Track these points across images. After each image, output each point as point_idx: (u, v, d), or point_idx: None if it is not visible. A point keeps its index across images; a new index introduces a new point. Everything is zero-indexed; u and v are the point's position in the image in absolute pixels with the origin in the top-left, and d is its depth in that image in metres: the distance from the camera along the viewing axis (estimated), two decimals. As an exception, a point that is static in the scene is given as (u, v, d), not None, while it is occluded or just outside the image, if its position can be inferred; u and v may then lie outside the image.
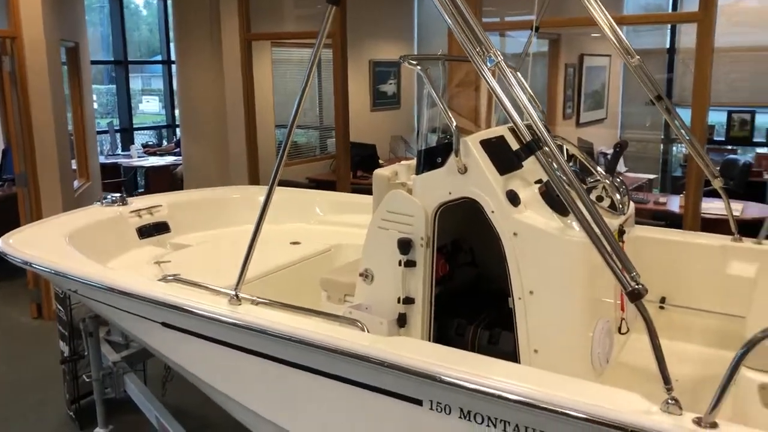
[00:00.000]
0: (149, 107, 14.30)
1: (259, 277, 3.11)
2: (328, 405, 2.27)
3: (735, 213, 5.47)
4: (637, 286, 1.68)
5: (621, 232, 2.50)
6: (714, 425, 1.57)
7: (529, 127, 1.89)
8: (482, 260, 2.91)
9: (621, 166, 7.40)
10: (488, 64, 1.89)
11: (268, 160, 6.19)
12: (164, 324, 2.68)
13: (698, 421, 1.59)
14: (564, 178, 1.83)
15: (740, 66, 7.60)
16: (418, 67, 2.34)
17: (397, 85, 8.35)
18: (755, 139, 7.71)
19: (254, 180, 6.19)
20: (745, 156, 7.84)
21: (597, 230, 1.74)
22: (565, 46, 6.34)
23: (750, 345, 1.55)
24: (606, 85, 7.30)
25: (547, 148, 1.82)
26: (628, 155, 7.58)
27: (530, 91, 3.00)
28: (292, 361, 2.28)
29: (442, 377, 1.87)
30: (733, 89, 7.60)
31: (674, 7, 7.77)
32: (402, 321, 2.40)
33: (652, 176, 7.14)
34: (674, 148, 8.00)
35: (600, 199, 2.49)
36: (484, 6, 5.07)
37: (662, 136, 8.01)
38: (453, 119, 2.25)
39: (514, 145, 2.53)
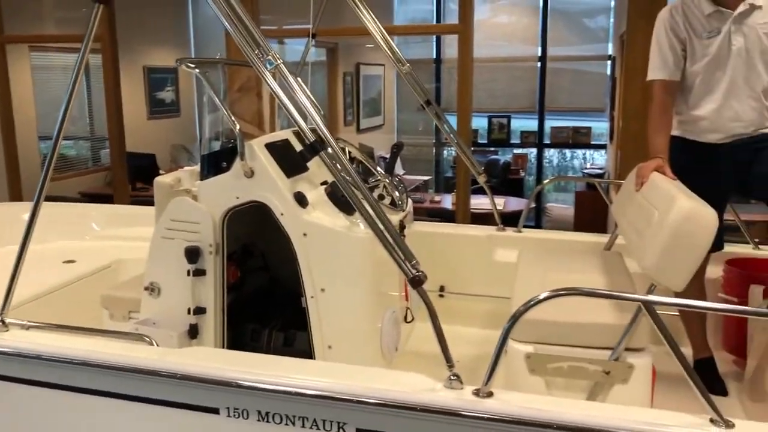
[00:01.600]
0: None
1: (30, 300, 2.83)
2: (124, 428, 2.13)
3: (498, 207, 6.10)
4: (417, 273, 1.81)
5: (402, 227, 2.66)
6: (490, 394, 1.74)
7: (312, 129, 1.94)
8: (274, 263, 2.92)
9: (399, 169, 7.85)
10: (268, 66, 1.91)
11: (32, 176, 5.63)
12: None
13: (477, 392, 1.75)
14: (348, 178, 1.91)
15: (497, 75, 8.46)
16: (196, 70, 2.30)
17: (176, 92, 8.05)
18: (512, 141, 8.61)
19: (16, 197, 5.60)
20: (504, 156, 8.73)
21: (380, 225, 1.84)
22: (342, 55, 6.58)
23: (513, 320, 1.73)
24: (382, 92, 7.70)
25: (330, 150, 1.89)
26: (405, 159, 8.05)
27: (311, 95, 3.08)
28: (76, 387, 2.11)
29: (236, 382, 1.86)
30: (492, 96, 8.44)
31: (438, 20, 8.43)
32: (194, 332, 2.33)
33: (426, 177, 7.68)
34: (445, 151, 8.64)
35: (381, 197, 2.63)
36: (262, 14, 5.09)
37: (434, 141, 8.63)
38: (236, 123, 2.25)
39: (299, 149, 2.58)
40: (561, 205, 8.14)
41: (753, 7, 2.49)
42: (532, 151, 8.61)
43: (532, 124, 8.50)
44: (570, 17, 8.32)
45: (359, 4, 3.22)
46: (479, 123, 8.69)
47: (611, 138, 7.05)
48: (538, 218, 8.37)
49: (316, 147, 1.82)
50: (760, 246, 3.10)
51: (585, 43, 8.30)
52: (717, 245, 2.69)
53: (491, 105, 8.44)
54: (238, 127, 2.23)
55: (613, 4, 7.98)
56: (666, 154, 2.55)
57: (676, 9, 2.59)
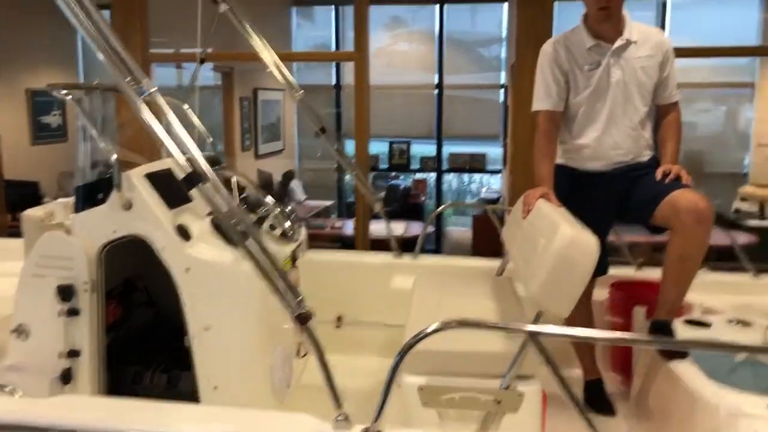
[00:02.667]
0: None
1: None
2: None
3: (398, 232, 6.14)
4: (303, 311, 1.74)
5: (293, 258, 2.59)
6: (379, 433, 1.69)
7: (190, 160, 1.85)
8: (160, 298, 2.78)
9: (300, 195, 7.76)
10: (141, 94, 1.81)
11: None
12: None
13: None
14: (228, 210, 1.83)
15: (396, 102, 8.56)
16: (69, 97, 2.15)
17: (63, 117, 7.63)
18: (412, 166, 8.71)
19: None
20: (405, 181, 8.82)
21: (264, 260, 1.77)
22: (239, 79, 6.46)
23: (402, 354, 1.70)
24: (281, 117, 7.62)
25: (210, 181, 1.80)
26: (307, 184, 7.98)
27: (198, 122, 2.98)
28: None
29: (109, 433, 1.73)
30: (392, 122, 8.52)
31: (336, 47, 8.47)
32: (66, 377, 2.16)
33: (329, 202, 7.63)
34: (347, 176, 8.63)
35: (273, 227, 2.55)
36: (155, 37, 4.92)
37: (336, 165, 8.61)
38: (113, 151, 2.12)
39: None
40: (460, 229, 8.29)
41: (629, 42, 2.61)
42: (432, 176, 8.75)
43: (431, 150, 8.65)
44: (466, 46, 8.57)
45: (250, 30, 3.16)
46: (380, 148, 8.76)
47: (505, 163, 7.27)
48: (438, 242, 8.49)
49: (192, 179, 1.73)
50: (643, 268, 3.23)
51: (480, 71, 8.57)
52: (602, 270, 2.78)
53: (392, 131, 8.52)
54: (114, 156, 2.10)
55: (504, 34, 8.28)
56: (551, 181, 2.62)
57: (559, 42, 2.68)
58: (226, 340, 2.18)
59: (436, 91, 8.42)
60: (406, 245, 6.21)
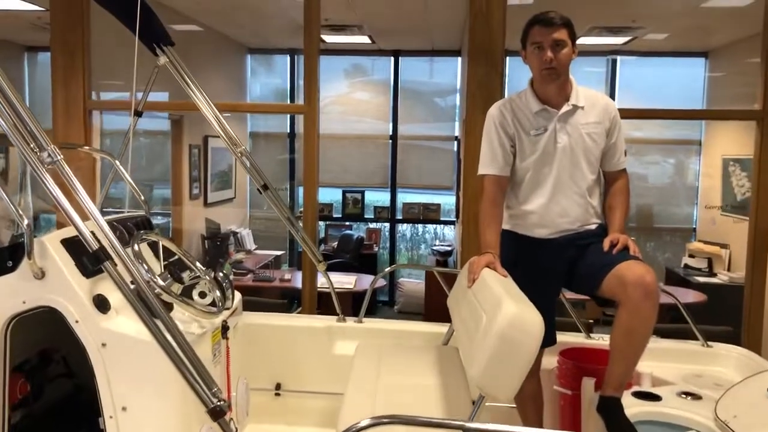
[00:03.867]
0: None
1: None
2: None
3: (348, 286, 5.99)
4: (218, 403, 1.59)
5: (225, 328, 2.43)
6: None
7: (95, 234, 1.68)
8: (81, 368, 2.57)
9: (251, 245, 7.57)
10: (46, 161, 1.66)
11: None
12: None
13: None
14: (143, 285, 1.67)
15: (351, 150, 8.50)
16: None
17: (5, 161, 7.34)
18: (366, 215, 8.61)
19: None
20: (358, 231, 8.70)
21: (179, 342, 1.62)
22: (188, 126, 6.32)
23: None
24: (233, 165, 7.48)
25: (120, 255, 1.64)
26: (257, 233, 7.80)
27: (130, 180, 2.82)
28: None
29: None
30: (346, 171, 8.44)
31: (291, 97, 8.43)
32: (-38, 465, 1.95)
33: (279, 252, 7.44)
34: (300, 225, 8.49)
35: (203, 295, 2.39)
36: (103, 79, 4.78)
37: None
38: (23, 216, 1.95)
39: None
40: (413, 281, 8.17)
41: (576, 108, 2.58)
42: (386, 226, 8.66)
43: (385, 199, 8.57)
44: (422, 96, 8.59)
45: (191, 83, 3.05)
46: (334, 196, 8.65)
47: (458, 215, 7.23)
48: (391, 294, 8.35)
49: (99, 256, 1.58)
50: (591, 335, 3.16)
51: (436, 121, 8.58)
52: (549, 341, 2.69)
53: (345, 179, 8.44)
54: (26, 221, 1.93)
55: (459, 86, 8.34)
56: (497, 248, 2.54)
57: (506, 106, 2.63)
58: (145, 421, 2.00)
59: (390, 141, 8.39)
60: (359, 301, 6.09)
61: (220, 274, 2.43)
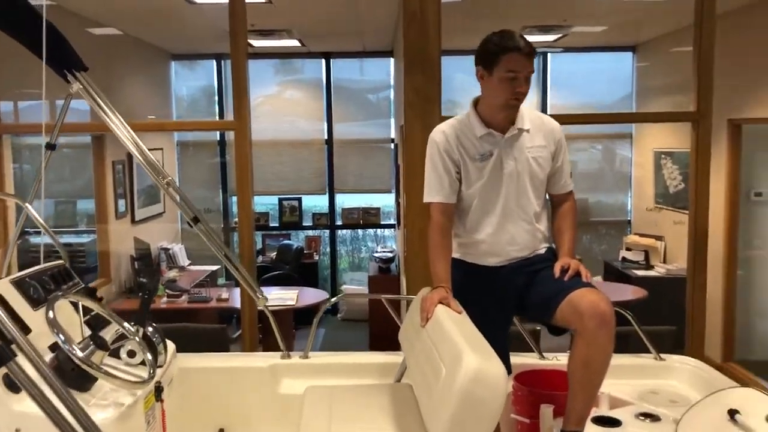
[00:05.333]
0: None
1: None
2: None
3: (290, 302, 5.78)
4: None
5: (159, 389, 2.23)
6: None
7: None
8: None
9: (184, 260, 7.25)
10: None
11: None
12: None
13: None
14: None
15: (285, 157, 8.23)
16: None
17: None
18: (304, 223, 8.39)
19: None
20: (297, 239, 8.48)
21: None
22: (110, 142, 5.96)
23: None
24: (162, 178, 7.13)
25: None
26: (190, 249, 7.48)
27: (44, 225, 2.57)
28: None
29: None
30: (281, 178, 8.18)
31: (220, 113, 8.15)
32: None
33: (215, 267, 7.16)
34: (235, 236, 8.19)
35: (132, 354, 2.18)
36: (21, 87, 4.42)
37: (222, 226, 8.18)
38: None
39: (20, 305, 2.07)
40: (356, 287, 8.04)
41: (521, 131, 2.47)
42: (326, 232, 8.47)
43: (323, 204, 8.37)
44: (354, 93, 8.37)
45: (107, 108, 2.80)
46: (270, 204, 8.40)
47: (398, 220, 7.11)
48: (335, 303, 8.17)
49: (2, 356, 1.34)
50: (544, 355, 3.08)
51: (371, 118, 8.39)
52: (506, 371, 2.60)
53: (281, 187, 8.18)
54: None
55: (392, 82, 8.21)
56: (448, 281, 2.42)
57: (449, 131, 2.50)
58: None
59: (326, 146, 8.19)
60: (303, 316, 5.87)
61: (149, 329, 2.22)
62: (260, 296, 3.03)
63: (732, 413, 2.15)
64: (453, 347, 1.93)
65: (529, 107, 2.53)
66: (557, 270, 2.40)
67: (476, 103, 2.51)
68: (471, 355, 1.81)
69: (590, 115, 5.16)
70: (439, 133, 2.52)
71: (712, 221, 4.88)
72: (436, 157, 2.49)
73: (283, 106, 8.39)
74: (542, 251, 2.55)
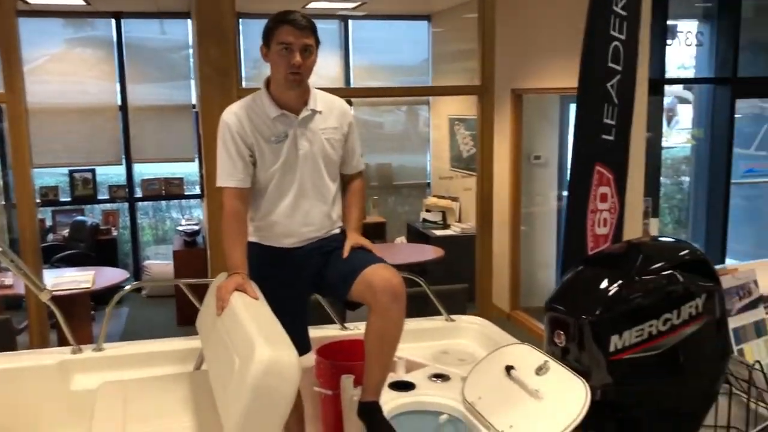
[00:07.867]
0: None
1: None
2: None
3: (85, 285, 5.38)
4: None
5: None
6: None
7: None
8: None
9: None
10: None
11: None
12: None
13: None
14: None
15: (76, 125, 7.50)
16: None
17: None
18: (100, 197, 7.82)
19: None
20: (93, 215, 7.90)
21: None
22: None
23: None
24: None
25: None
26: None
27: None
28: None
29: None
30: (71, 148, 7.46)
31: None
32: None
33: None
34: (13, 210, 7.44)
35: None
36: None
37: (4, 203, 7.34)
38: None
39: None
40: (161, 262, 7.70)
41: (314, 112, 2.49)
42: (125, 206, 7.95)
43: (120, 176, 7.81)
44: (150, 54, 7.79)
45: None
46: (59, 178, 7.71)
47: (202, 191, 6.90)
48: (137, 278, 7.76)
49: None
50: (346, 325, 3.19)
51: (169, 80, 7.86)
52: (304, 349, 2.66)
53: (73, 158, 7.45)
54: None
55: (191, 42, 7.80)
56: (245, 267, 2.41)
57: (241, 112, 2.45)
58: None
59: (120, 113, 7.58)
60: (102, 297, 5.50)
61: None
62: (43, 289, 2.81)
63: (508, 369, 2.37)
64: (246, 337, 1.93)
65: (322, 92, 2.56)
66: (347, 250, 2.49)
67: (268, 83, 2.49)
68: (263, 347, 1.83)
69: (388, 89, 5.38)
70: (231, 114, 2.46)
71: (500, 182, 5.32)
72: (228, 141, 2.44)
73: (71, 65, 7.61)
74: (337, 231, 2.62)
